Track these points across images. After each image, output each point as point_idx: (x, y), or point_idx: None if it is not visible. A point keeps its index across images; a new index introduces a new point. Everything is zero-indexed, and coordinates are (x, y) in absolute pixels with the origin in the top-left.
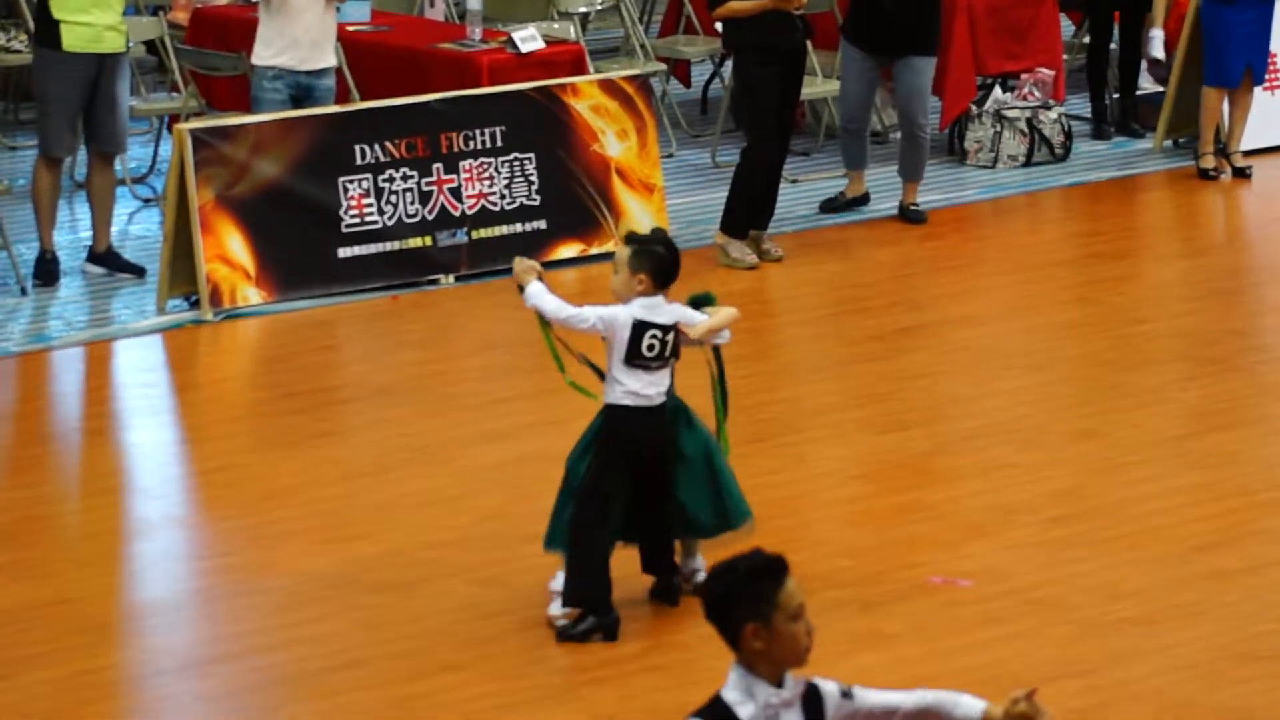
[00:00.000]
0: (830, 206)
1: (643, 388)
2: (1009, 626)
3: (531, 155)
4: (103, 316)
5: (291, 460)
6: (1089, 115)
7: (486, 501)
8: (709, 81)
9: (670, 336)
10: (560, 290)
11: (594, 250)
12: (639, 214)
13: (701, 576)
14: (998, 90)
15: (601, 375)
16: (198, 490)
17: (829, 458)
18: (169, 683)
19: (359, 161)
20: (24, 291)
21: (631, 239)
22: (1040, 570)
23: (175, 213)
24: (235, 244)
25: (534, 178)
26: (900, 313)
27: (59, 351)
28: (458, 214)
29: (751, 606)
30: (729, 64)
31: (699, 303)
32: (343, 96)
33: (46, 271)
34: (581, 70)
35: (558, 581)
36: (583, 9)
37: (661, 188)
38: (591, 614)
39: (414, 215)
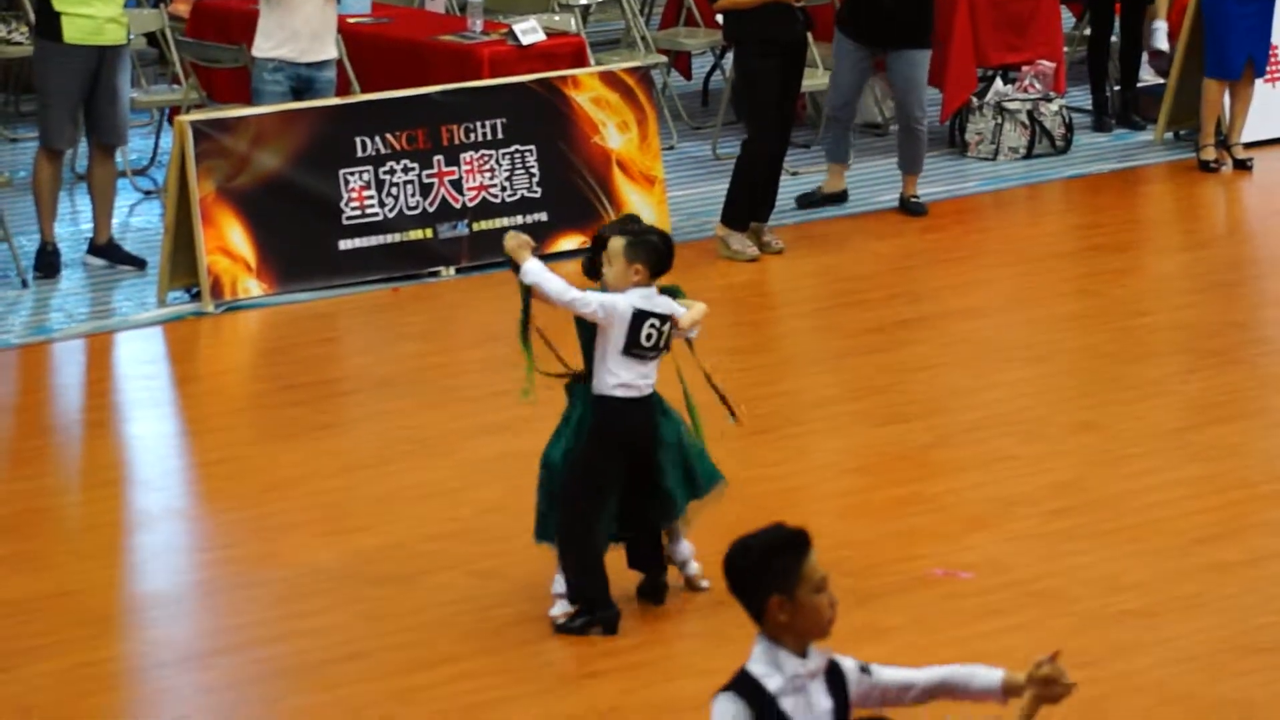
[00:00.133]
0: (807, 202)
1: (635, 379)
2: (1010, 619)
3: (532, 147)
4: (104, 309)
5: (292, 452)
6: (1090, 107)
7: (487, 494)
8: (710, 74)
9: (666, 327)
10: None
11: None
12: (640, 206)
13: (693, 566)
14: (999, 82)
15: (565, 367)
16: (199, 482)
17: (829, 450)
18: (170, 675)
19: (360, 154)
20: (25, 283)
21: (617, 231)
22: (1041, 562)
23: (176, 205)
24: (236, 236)
25: (535, 170)
26: (901, 305)
27: (60, 344)
28: (458, 206)
29: (775, 579)
30: (730, 56)
31: (669, 295)
32: (343, 88)
33: (47, 263)
34: (582, 62)
35: (559, 585)
36: (583, 1)
37: (662, 180)
38: (592, 609)
39: (415, 207)
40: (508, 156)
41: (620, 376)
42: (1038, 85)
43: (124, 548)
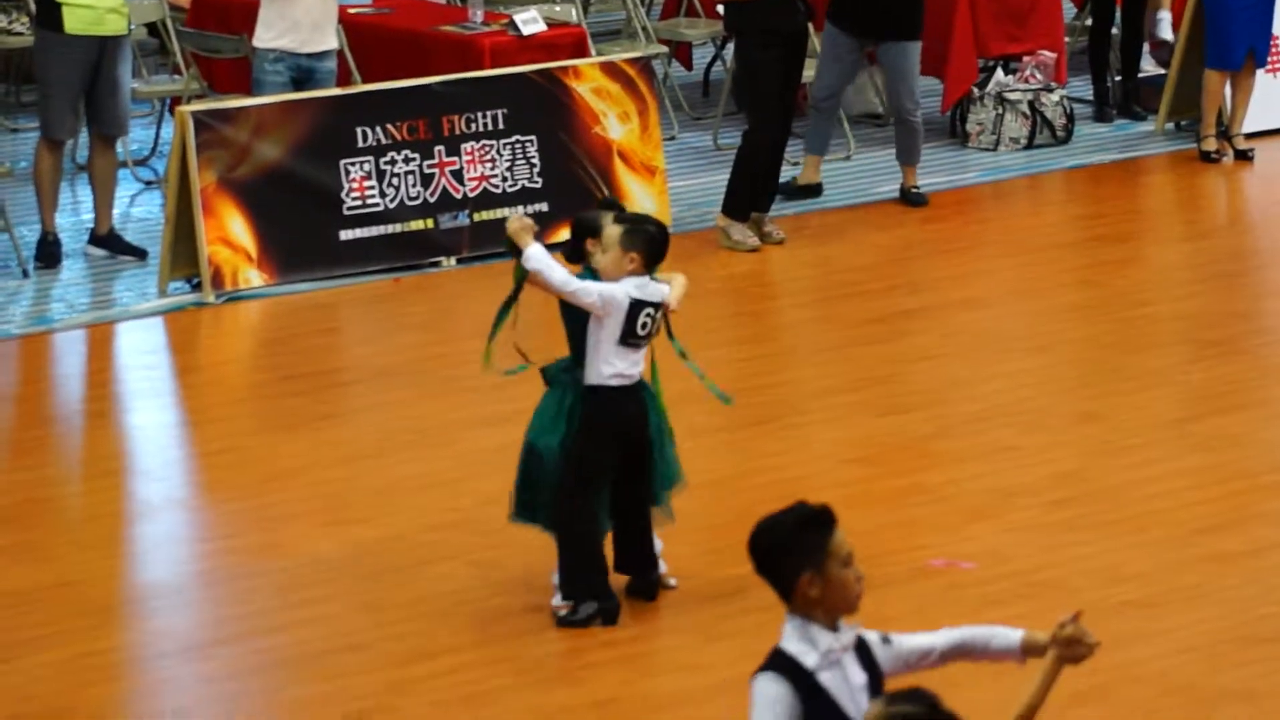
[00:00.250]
0: (781, 192)
1: (628, 367)
2: (1010, 609)
3: (533, 138)
4: (104, 299)
5: (293, 443)
6: (1091, 98)
7: (487, 484)
8: (711, 64)
9: (659, 314)
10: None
11: None
12: (641, 196)
13: (660, 564)
14: (999, 73)
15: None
16: (199, 473)
17: (830, 440)
18: (171, 665)
19: (360, 144)
20: (26, 274)
21: (596, 217)
22: (1042, 553)
23: (177, 195)
24: (237, 226)
25: (536, 160)
26: (902, 295)
27: (60, 334)
28: (459, 196)
29: (805, 555)
30: (730, 46)
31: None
32: (344, 79)
33: (48, 254)
34: (583, 53)
35: (556, 575)
36: None
37: (663, 170)
38: (593, 600)
39: (415, 198)
40: (509, 147)
41: (616, 366)
42: (1039, 76)
43: (125, 538)
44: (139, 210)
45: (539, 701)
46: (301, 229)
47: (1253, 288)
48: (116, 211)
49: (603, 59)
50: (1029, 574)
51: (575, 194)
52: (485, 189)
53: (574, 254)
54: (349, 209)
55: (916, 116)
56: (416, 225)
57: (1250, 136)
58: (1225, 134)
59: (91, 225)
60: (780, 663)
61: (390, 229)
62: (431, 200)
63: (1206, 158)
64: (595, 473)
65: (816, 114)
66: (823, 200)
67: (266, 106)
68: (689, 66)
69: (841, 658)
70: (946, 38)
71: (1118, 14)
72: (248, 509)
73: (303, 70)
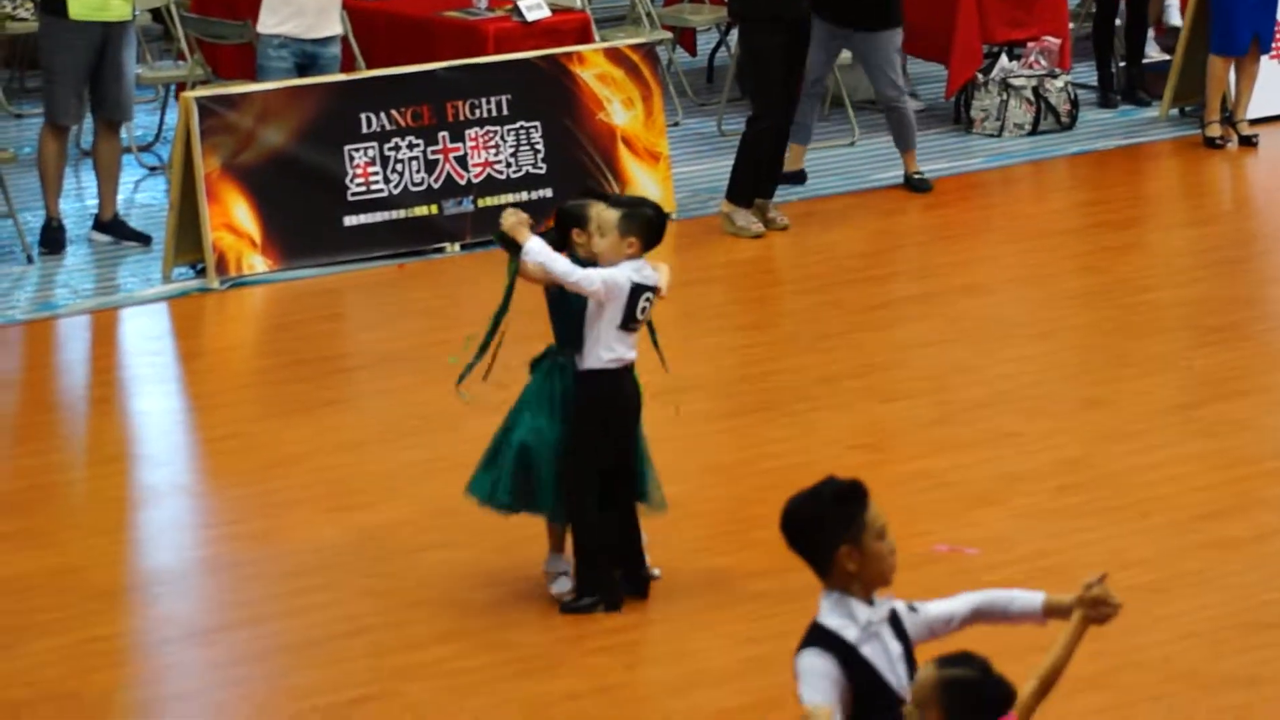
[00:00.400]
0: None
1: (625, 351)
2: None
3: (537, 124)
4: (109, 284)
5: (297, 428)
6: (1095, 84)
7: None
8: (715, 50)
9: (654, 298)
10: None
11: None
12: (645, 182)
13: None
14: (1004, 59)
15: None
16: (204, 458)
17: (834, 426)
18: (175, 650)
19: (365, 130)
20: (30, 259)
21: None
22: (1046, 539)
23: (181, 181)
24: (241, 212)
25: (540, 146)
26: (905, 282)
27: (65, 319)
28: (463, 182)
29: (842, 529)
30: (735, 32)
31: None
32: (348, 64)
33: (53, 239)
34: (587, 38)
35: (555, 563)
36: None
37: (667, 156)
38: (599, 589)
39: (420, 183)
40: (513, 133)
41: (615, 350)
42: (1043, 62)
43: (129, 524)
44: (143, 196)
45: (542, 688)
46: (306, 215)
47: (1256, 274)
48: (121, 197)
49: (607, 45)
50: (1033, 560)
51: (579, 180)
52: (489, 175)
53: (559, 245)
54: (353, 195)
55: (902, 102)
56: (421, 211)
57: (1255, 122)
58: (1230, 120)
59: (96, 211)
60: (823, 637)
61: (394, 215)
62: (436, 186)
63: (1211, 144)
64: (597, 460)
65: (800, 102)
66: (827, 186)
67: (271, 92)
68: (693, 52)
69: (880, 630)
70: (951, 24)
71: (1122, 0)
72: (251, 495)
73: (307, 56)
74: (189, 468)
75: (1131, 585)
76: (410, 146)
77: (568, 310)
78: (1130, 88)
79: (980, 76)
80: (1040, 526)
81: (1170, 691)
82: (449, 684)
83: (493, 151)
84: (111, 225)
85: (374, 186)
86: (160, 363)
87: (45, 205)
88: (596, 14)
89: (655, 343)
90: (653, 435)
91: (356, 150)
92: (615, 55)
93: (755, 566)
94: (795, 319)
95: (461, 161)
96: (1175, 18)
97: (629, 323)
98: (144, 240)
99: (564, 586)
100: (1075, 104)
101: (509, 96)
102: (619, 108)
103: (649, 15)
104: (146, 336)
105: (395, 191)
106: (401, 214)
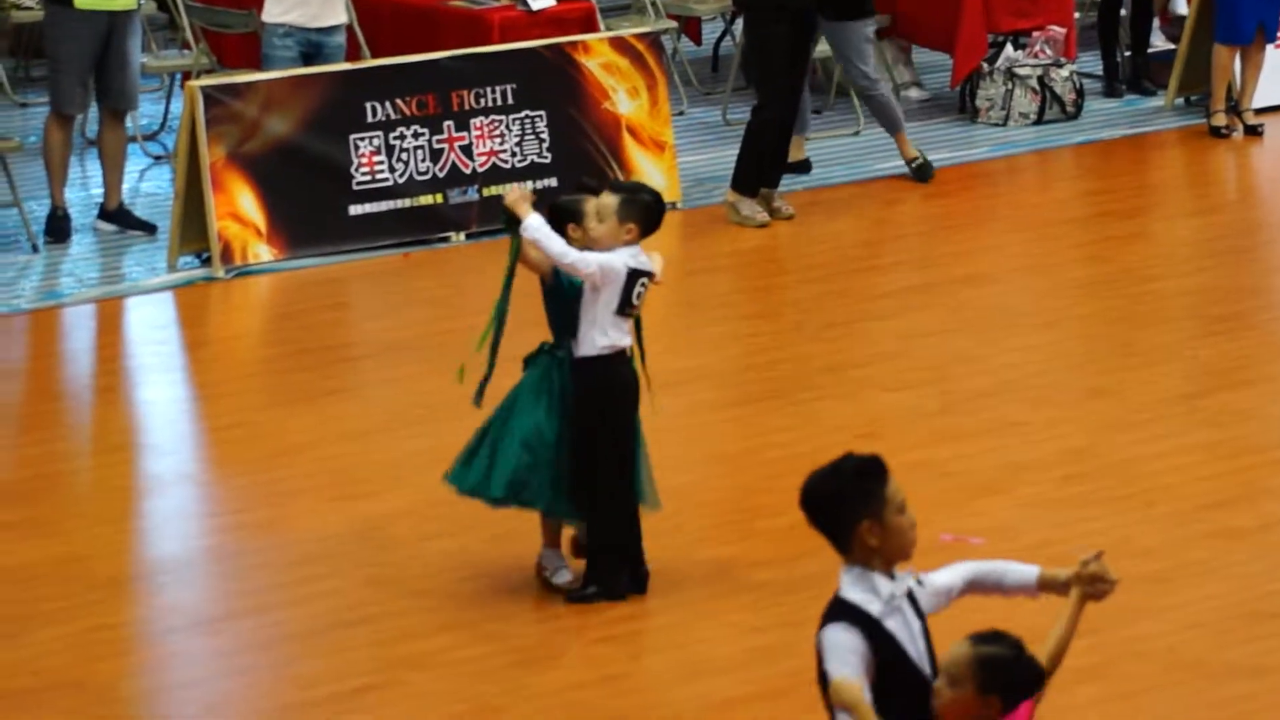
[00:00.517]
0: None
1: (620, 337)
2: None
3: (542, 113)
4: (114, 273)
5: (302, 417)
6: (1100, 73)
7: None
8: (720, 39)
9: (649, 283)
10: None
11: None
12: (650, 171)
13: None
14: (1009, 48)
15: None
16: (209, 447)
17: (838, 415)
18: (180, 639)
19: (370, 119)
20: (35, 248)
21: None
22: (1051, 528)
23: (186, 170)
24: (246, 201)
25: (545, 135)
26: (910, 271)
27: (70, 308)
28: (469, 171)
29: (863, 504)
30: (740, 21)
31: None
32: (353, 54)
33: (58, 228)
34: (592, 27)
35: (548, 558)
36: None
37: (672, 145)
38: (606, 578)
39: (425, 173)
40: (518, 122)
41: (610, 336)
42: (1048, 51)
43: (134, 513)
44: (148, 185)
45: (548, 677)
46: (311, 204)
47: (1262, 263)
48: (126, 186)
49: (612, 34)
50: (1037, 549)
51: (584, 169)
52: (494, 164)
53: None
54: (358, 184)
55: (877, 89)
56: (426, 200)
57: (1260, 112)
58: (1235, 109)
59: (101, 200)
60: (847, 611)
61: (399, 204)
62: (441, 175)
63: (1216, 133)
64: (619, 448)
65: None
66: (832, 176)
67: (276, 81)
68: (698, 41)
69: (902, 604)
70: (956, 13)
71: None
72: (256, 484)
73: (312, 45)
74: (194, 457)
75: (1136, 575)
76: (415, 135)
77: (562, 297)
78: (1135, 77)
79: (985, 66)
80: (1045, 516)
81: (1174, 681)
82: (453, 673)
83: (498, 140)
84: (117, 214)
85: (379, 175)
86: (165, 352)
87: (50, 194)
88: (601, 3)
89: (641, 353)
90: (656, 425)
91: (361, 139)
92: (620, 44)
93: (760, 556)
94: (800, 308)
95: (466, 151)
96: (1180, 7)
97: (625, 308)
98: (149, 229)
99: (565, 577)
100: (1080, 93)
101: (514, 85)
102: (624, 97)
103: (654, 4)
104: (151, 325)
105: (400, 181)
106: (406, 203)
